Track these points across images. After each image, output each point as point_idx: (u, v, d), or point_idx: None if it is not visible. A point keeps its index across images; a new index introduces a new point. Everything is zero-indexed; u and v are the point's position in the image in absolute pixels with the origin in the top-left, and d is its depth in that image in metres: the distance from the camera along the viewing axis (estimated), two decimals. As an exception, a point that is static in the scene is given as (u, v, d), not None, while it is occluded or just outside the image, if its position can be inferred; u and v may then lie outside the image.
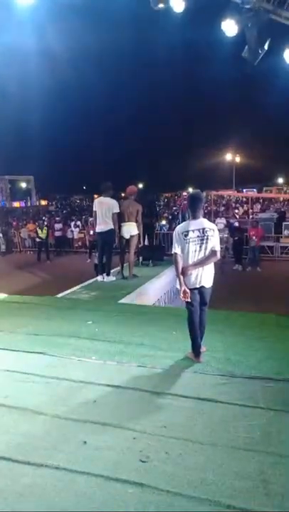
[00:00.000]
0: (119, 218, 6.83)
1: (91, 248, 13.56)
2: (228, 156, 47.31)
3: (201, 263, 3.49)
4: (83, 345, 4.07)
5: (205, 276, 3.55)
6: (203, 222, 3.57)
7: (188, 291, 3.50)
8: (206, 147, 54.15)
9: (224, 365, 3.49)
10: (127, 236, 6.96)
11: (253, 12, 7.31)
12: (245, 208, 25.36)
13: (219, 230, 3.95)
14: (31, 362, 3.71)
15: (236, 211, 22.78)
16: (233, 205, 27.47)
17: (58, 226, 18.58)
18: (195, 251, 3.49)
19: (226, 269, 12.54)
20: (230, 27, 7.66)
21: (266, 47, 7.58)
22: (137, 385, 3.19)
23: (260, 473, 2.18)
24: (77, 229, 19.01)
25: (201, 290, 3.57)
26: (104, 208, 6.76)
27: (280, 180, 51.10)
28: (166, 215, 21.36)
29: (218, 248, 3.56)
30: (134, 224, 6.93)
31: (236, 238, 14.26)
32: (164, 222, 18.29)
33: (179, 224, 4.00)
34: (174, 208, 26.01)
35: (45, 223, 17.75)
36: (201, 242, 3.48)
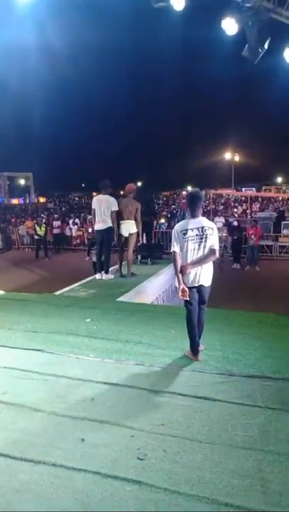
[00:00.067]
0: (118, 216, 6.82)
1: (90, 246, 13.55)
2: (227, 155, 47.32)
3: (199, 262, 3.49)
4: (81, 342, 4.07)
5: (204, 275, 3.54)
6: (202, 220, 3.57)
7: (186, 289, 3.50)
8: (205, 146, 54.22)
9: (222, 364, 3.49)
10: (125, 234, 6.95)
11: (253, 11, 7.30)
12: (244, 206, 25.38)
13: (218, 229, 3.95)
14: (29, 359, 3.70)
15: (235, 210, 22.78)
16: (232, 204, 27.46)
17: (56, 223, 18.54)
18: (194, 249, 3.48)
19: (225, 268, 12.55)
20: (230, 25, 7.65)
21: (266, 46, 7.58)
22: (134, 383, 3.19)
23: (257, 471, 2.19)
24: (76, 226, 18.99)
25: (199, 289, 3.57)
26: (102, 205, 6.74)
27: (279, 180, 51.18)
28: (165, 213, 21.34)
29: (217, 247, 3.55)
30: (133, 222, 6.92)
31: (235, 237, 14.27)
32: (162, 220, 18.28)
33: (178, 222, 3.99)
34: (173, 207, 26.01)
35: (44, 220, 17.73)
36: (200, 240, 3.48)
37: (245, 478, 2.13)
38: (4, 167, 36.35)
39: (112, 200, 6.79)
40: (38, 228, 16.46)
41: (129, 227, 6.91)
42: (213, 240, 3.52)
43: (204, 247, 3.49)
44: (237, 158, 47.79)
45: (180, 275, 3.51)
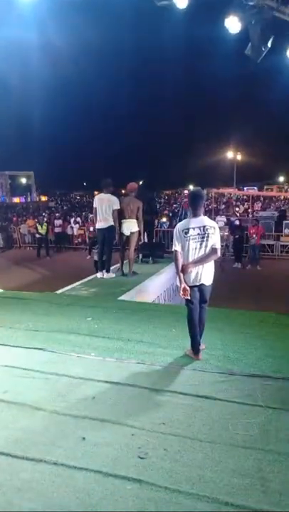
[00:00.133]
0: (120, 215, 6.82)
1: (91, 245, 13.56)
2: (230, 154, 47.27)
3: (201, 261, 3.49)
4: (83, 341, 4.07)
5: (205, 274, 3.54)
6: (203, 219, 3.56)
7: (188, 288, 3.50)
8: (207, 144, 54.15)
9: (223, 363, 3.49)
10: (127, 233, 6.94)
11: (256, 9, 7.28)
12: (246, 206, 25.37)
13: (219, 228, 3.94)
14: (30, 358, 3.71)
15: (237, 209, 22.75)
16: (234, 203, 27.42)
17: (57, 222, 18.55)
18: (195, 248, 3.48)
19: (226, 267, 12.54)
20: (233, 24, 7.63)
21: (269, 44, 7.56)
22: (135, 381, 3.19)
23: (258, 470, 2.19)
24: (77, 225, 19.01)
25: (200, 288, 3.57)
26: (104, 204, 6.75)
27: (281, 179, 51.10)
28: (166, 212, 21.33)
29: (218, 246, 3.55)
30: (135, 221, 6.91)
31: (237, 236, 14.26)
32: (164, 219, 18.27)
33: (179, 221, 3.99)
34: (175, 206, 25.98)
35: (45, 219, 17.75)
36: (201, 239, 3.48)
37: (245, 477, 2.14)
38: (6, 166, 36.33)
39: (114, 198, 6.79)
40: (39, 227, 16.48)
41: (130, 226, 6.90)
42: (215, 239, 3.52)
43: (206, 246, 3.48)
44: (239, 157, 47.74)
45: (181, 274, 3.51)
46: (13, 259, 16.08)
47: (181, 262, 3.51)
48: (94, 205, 6.96)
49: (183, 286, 3.50)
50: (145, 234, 8.25)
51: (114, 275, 7.20)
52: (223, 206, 25.29)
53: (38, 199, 41.24)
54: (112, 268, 7.33)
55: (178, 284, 3.58)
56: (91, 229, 15.60)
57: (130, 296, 6.09)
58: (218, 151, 50.92)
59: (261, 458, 2.29)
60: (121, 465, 2.24)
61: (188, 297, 3.51)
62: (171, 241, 3.64)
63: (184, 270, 3.50)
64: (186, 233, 3.48)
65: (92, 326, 4.54)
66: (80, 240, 18.67)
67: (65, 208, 31.64)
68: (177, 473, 2.18)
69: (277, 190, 37.30)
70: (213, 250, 3.51)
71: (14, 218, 23.10)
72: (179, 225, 3.60)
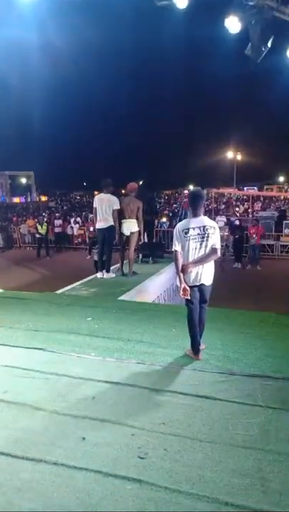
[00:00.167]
0: (120, 215, 6.82)
1: (91, 245, 13.56)
2: (230, 154, 47.26)
3: (201, 261, 3.49)
4: (83, 341, 4.07)
5: (205, 274, 3.54)
6: (203, 219, 3.56)
7: (188, 288, 3.50)
8: (207, 144, 54.15)
9: (223, 363, 3.49)
10: (127, 233, 6.94)
11: (256, 9, 7.28)
12: (246, 206, 25.37)
13: (219, 228, 3.94)
14: (30, 358, 3.71)
15: (237, 209, 22.75)
16: (234, 203, 27.42)
17: (57, 222, 18.55)
18: (195, 248, 3.48)
19: (226, 267, 12.54)
20: (233, 24, 7.62)
21: (269, 44, 7.56)
22: (135, 381, 3.19)
23: (258, 470, 2.19)
24: (77, 225, 19.01)
25: (200, 288, 3.57)
26: (104, 204, 6.75)
27: (281, 179, 51.10)
28: (166, 212, 21.33)
29: (218, 246, 3.55)
30: (135, 221, 6.91)
31: (237, 236, 14.26)
32: (164, 219, 18.27)
33: (179, 221, 3.98)
34: (175, 206, 25.98)
35: (45, 219, 17.74)
36: (201, 239, 3.48)
37: (245, 477, 2.14)
38: (6, 166, 36.33)
39: (114, 198, 6.79)
40: (39, 227, 16.48)
41: (130, 226, 6.90)
42: (215, 239, 3.52)
43: (206, 246, 3.48)
44: (239, 157, 47.73)
45: (181, 274, 3.51)
46: (13, 259, 16.08)
47: (181, 262, 3.51)
48: (94, 205, 6.96)
49: (183, 286, 3.50)
50: (145, 234, 8.25)
51: (114, 275, 7.20)
52: (223, 206, 25.29)
53: (38, 199, 41.25)
54: (112, 268, 7.33)
55: (178, 284, 3.58)
56: (91, 229, 15.60)
57: (130, 296, 6.09)
58: (218, 151, 50.94)
59: (261, 458, 2.29)
60: (121, 465, 2.24)
61: (188, 297, 3.51)
62: (171, 241, 3.64)
63: (183, 270, 3.50)
64: (186, 233, 3.48)
65: (92, 326, 4.54)
66: (80, 239, 18.67)
67: (65, 208, 31.64)
68: (177, 473, 2.18)
69: (277, 190, 37.30)
70: (213, 250, 3.51)
71: (14, 218, 23.10)
72: (179, 225, 3.60)
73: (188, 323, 3.61)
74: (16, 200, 38.45)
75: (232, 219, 16.74)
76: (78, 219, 19.80)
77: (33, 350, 3.86)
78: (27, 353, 3.83)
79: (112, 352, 3.79)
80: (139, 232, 7.07)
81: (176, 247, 3.52)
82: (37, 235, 16.85)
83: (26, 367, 3.48)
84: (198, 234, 3.48)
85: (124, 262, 7.34)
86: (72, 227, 18.91)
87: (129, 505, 1.97)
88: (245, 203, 26.90)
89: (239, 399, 2.90)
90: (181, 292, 3.53)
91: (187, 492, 2.03)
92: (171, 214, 20.74)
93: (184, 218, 3.93)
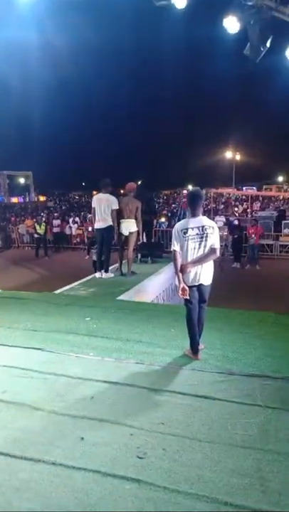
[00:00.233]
0: (119, 215, 6.82)
1: (90, 245, 13.55)
2: (229, 154, 47.29)
3: (199, 261, 3.48)
4: (81, 341, 4.07)
5: (204, 274, 3.54)
6: (202, 219, 3.56)
7: (186, 288, 3.49)
8: (206, 144, 54.17)
9: (222, 363, 3.49)
10: (126, 233, 6.94)
11: (255, 9, 7.27)
12: (245, 206, 25.39)
13: (219, 228, 3.94)
14: (29, 358, 3.70)
15: (236, 209, 22.78)
16: (233, 203, 27.45)
17: (56, 222, 18.53)
18: (194, 248, 3.48)
19: (225, 266, 12.54)
20: (232, 24, 7.61)
21: (268, 44, 7.55)
22: (134, 381, 3.19)
23: (257, 470, 2.19)
24: (76, 225, 19.00)
25: (199, 287, 3.56)
26: (103, 204, 6.74)
27: (280, 179, 51.13)
28: (165, 212, 21.33)
29: (217, 246, 3.55)
30: (134, 221, 6.91)
31: (236, 236, 14.27)
32: (163, 219, 18.27)
33: (178, 221, 3.98)
34: (174, 206, 26.00)
35: (44, 219, 17.73)
36: (200, 239, 3.47)
37: (244, 477, 2.13)
38: (4, 166, 36.32)
39: (113, 198, 6.78)
40: (37, 227, 16.46)
41: (129, 226, 6.90)
42: (214, 239, 3.51)
43: (204, 246, 3.48)
44: (238, 157, 47.77)
45: (180, 274, 3.50)
46: (12, 259, 16.06)
47: (180, 261, 3.50)
48: (92, 205, 6.96)
49: (182, 286, 3.49)
50: (144, 234, 8.25)
51: (112, 275, 7.20)
52: (222, 206, 25.31)
53: (36, 199, 41.24)
54: (110, 268, 7.32)
55: (177, 283, 3.58)
56: (90, 229, 15.59)
57: (129, 296, 6.09)
58: (217, 151, 50.96)
59: (260, 458, 2.28)
60: (120, 465, 2.24)
61: (187, 297, 3.51)
62: (170, 241, 3.64)
63: (182, 270, 3.50)
64: (185, 233, 3.48)
65: (90, 326, 4.53)
66: (78, 239, 18.66)
67: (63, 207, 31.60)
68: (176, 473, 2.17)
69: (276, 190, 37.31)
70: (212, 250, 3.51)
71: (12, 218, 23.08)
72: (178, 225, 3.59)
73: (187, 323, 3.60)
74: (15, 200, 38.44)
75: (231, 219, 16.76)
76: (77, 219, 19.79)
77: (31, 350, 3.85)
78: (25, 352, 3.83)
79: (111, 352, 3.78)
80: (138, 232, 7.07)
81: (175, 247, 3.51)
82: (35, 235, 16.83)
83: (25, 367, 3.47)
84: (197, 234, 3.48)
85: (123, 261, 7.33)
86: (70, 227, 18.90)
87: (128, 505, 1.96)
88: (244, 203, 26.92)
89: (238, 399, 2.89)
90: (180, 292, 3.52)
91: (186, 492, 2.03)
92: (170, 214, 20.74)
93: (183, 218, 3.93)
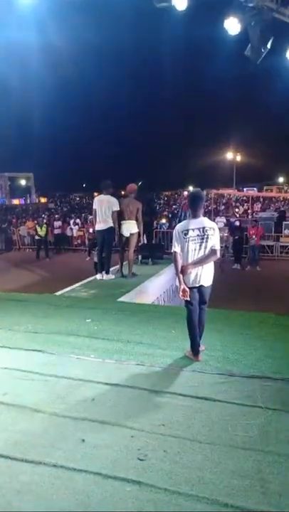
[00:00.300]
0: (119, 216, 6.83)
1: (91, 246, 13.55)
2: (229, 155, 47.29)
3: (200, 262, 3.49)
4: (82, 343, 4.07)
5: (204, 275, 3.54)
6: (203, 221, 3.56)
7: (187, 289, 3.50)
8: (206, 145, 54.16)
9: (223, 364, 3.49)
10: (126, 234, 6.95)
11: (256, 10, 7.28)
12: (246, 206, 25.37)
13: (219, 229, 3.95)
14: (30, 360, 3.71)
15: (236, 210, 22.76)
16: (234, 204, 27.44)
17: (57, 224, 18.56)
18: (195, 250, 3.48)
19: (226, 268, 12.54)
20: (233, 25, 7.62)
21: (269, 46, 7.56)
22: (135, 383, 3.19)
23: (257, 471, 2.19)
24: (77, 227, 19.00)
25: (200, 289, 3.57)
26: (104, 205, 6.75)
27: (281, 180, 51.13)
28: (166, 213, 21.34)
29: (218, 247, 3.55)
30: (134, 222, 6.92)
31: (236, 237, 14.26)
32: (164, 220, 18.28)
33: (179, 222, 3.99)
34: (174, 207, 26.00)
35: (45, 221, 17.74)
36: (201, 240, 3.48)
37: (245, 478, 2.13)
38: (5, 168, 36.39)
39: (114, 200, 6.79)
40: (38, 228, 16.47)
41: (130, 228, 6.91)
42: (214, 240, 3.52)
43: (205, 248, 3.48)
44: (239, 158, 47.76)
45: (181, 275, 3.51)
46: (13, 261, 16.08)
47: (180, 263, 3.51)
48: (93, 207, 6.97)
49: (182, 287, 3.50)
50: (144, 235, 8.25)
51: (113, 276, 7.20)
52: (223, 207, 25.32)
53: (37, 201, 41.29)
54: (111, 269, 7.33)
55: (177, 285, 3.58)
56: (90, 230, 15.60)
57: (130, 298, 6.09)
58: (217, 152, 50.96)
59: (261, 459, 2.28)
60: (120, 467, 2.24)
61: (188, 298, 3.51)
62: (171, 242, 3.64)
63: (183, 271, 3.50)
64: (186, 234, 3.48)
65: (91, 328, 4.54)
66: (79, 241, 18.66)
67: (64, 209, 31.63)
68: (177, 474, 2.17)
69: (276, 191, 37.32)
70: (213, 251, 3.51)
71: (13, 220, 23.10)
72: (179, 226, 3.60)
73: (187, 325, 3.60)
74: (16, 201, 38.48)
75: (232, 220, 16.76)
76: (78, 220, 19.79)
77: (32, 352, 3.86)
78: (26, 354, 3.83)
79: (112, 353, 3.79)
80: (139, 233, 7.07)
81: (176, 248, 3.52)
82: (36, 237, 16.84)
83: (25, 369, 3.48)
84: (198, 235, 3.48)
85: (124, 263, 7.34)
86: (71, 229, 18.91)
87: (129, 506, 1.96)
88: (245, 204, 26.89)
89: (239, 400, 2.90)
90: (181, 293, 3.52)
91: (187, 493, 2.03)
92: (170, 215, 20.74)
93: (184, 219, 3.94)
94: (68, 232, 18.86)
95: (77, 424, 2.66)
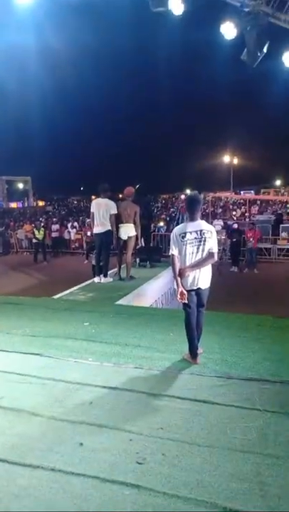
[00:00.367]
0: (117, 219, 6.83)
1: (89, 250, 13.55)
2: (226, 158, 47.38)
3: (198, 265, 3.49)
4: (80, 346, 4.06)
5: (202, 278, 3.55)
6: (200, 223, 3.57)
7: (185, 292, 3.50)
8: (204, 149, 54.32)
9: (221, 367, 3.49)
10: (124, 237, 6.95)
11: (252, 15, 7.35)
12: (243, 209, 25.43)
13: (217, 232, 3.96)
14: (28, 363, 3.69)
15: (234, 213, 22.82)
16: (231, 206, 27.51)
17: (55, 227, 18.55)
18: (192, 253, 3.49)
19: (223, 270, 12.56)
20: (229, 30, 7.71)
21: (265, 50, 7.63)
22: (133, 386, 3.18)
23: (256, 474, 2.18)
24: (74, 230, 19.00)
25: (198, 292, 3.57)
26: (101, 209, 6.76)
27: (278, 183, 51.30)
28: (163, 216, 21.37)
29: (215, 250, 3.56)
30: (132, 225, 6.93)
31: (234, 240, 14.30)
32: (161, 223, 18.31)
33: (176, 225, 3.99)
34: (172, 210, 26.04)
35: (42, 224, 17.75)
36: (198, 243, 3.48)
37: (244, 481, 2.13)
38: (2, 171, 36.37)
39: (111, 203, 6.80)
40: (36, 232, 16.47)
41: (128, 231, 6.91)
42: (212, 243, 3.52)
43: (203, 251, 3.49)
44: (236, 161, 47.86)
45: (179, 278, 3.51)
46: (10, 264, 16.05)
47: (178, 266, 3.51)
48: (91, 210, 6.97)
49: (180, 290, 3.50)
50: (142, 238, 8.26)
51: (111, 280, 7.20)
52: (220, 210, 25.37)
53: (35, 204, 41.28)
54: (109, 272, 7.32)
55: (175, 288, 3.58)
56: (88, 233, 15.60)
57: (128, 301, 6.08)
58: (215, 155, 51.06)
59: (260, 462, 2.28)
60: (119, 470, 2.23)
61: (186, 301, 3.51)
62: (169, 245, 3.65)
63: (181, 274, 3.50)
64: (183, 237, 3.49)
65: (89, 331, 4.53)
66: (77, 244, 18.66)
67: (62, 212, 31.63)
68: (175, 478, 2.17)
69: (274, 194, 37.41)
70: (210, 254, 3.52)
71: (11, 223, 23.07)
72: (176, 229, 3.60)
73: (185, 327, 3.60)
74: (13, 205, 38.45)
75: (229, 223, 16.79)
76: (75, 224, 19.80)
77: (30, 356, 3.85)
78: (24, 358, 3.82)
79: (110, 357, 3.78)
80: (137, 236, 7.08)
81: (173, 251, 3.52)
82: (34, 240, 16.83)
83: (23, 372, 3.47)
84: (195, 238, 3.49)
85: (122, 266, 7.34)
86: (69, 232, 18.91)
87: (128, 510, 1.95)
88: (242, 207, 26.94)
89: (237, 403, 2.89)
90: (179, 296, 3.52)
91: (185, 497, 2.02)
92: (168, 218, 20.77)
93: (181, 222, 3.95)
94: (66, 236, 18.85)
95: (75, 428, 2.65)
